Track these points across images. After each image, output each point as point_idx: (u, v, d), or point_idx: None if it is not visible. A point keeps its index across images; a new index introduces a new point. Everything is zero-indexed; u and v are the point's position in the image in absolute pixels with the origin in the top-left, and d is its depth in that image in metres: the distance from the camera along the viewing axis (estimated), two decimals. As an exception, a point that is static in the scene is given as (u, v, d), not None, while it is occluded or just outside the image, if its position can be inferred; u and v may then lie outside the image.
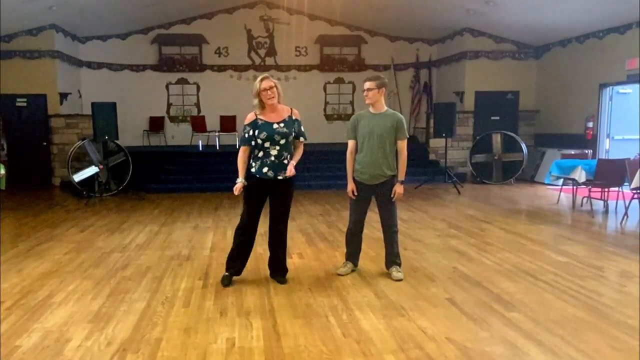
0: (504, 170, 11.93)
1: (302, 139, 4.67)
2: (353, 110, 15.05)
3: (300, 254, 5.86)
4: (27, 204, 9.49)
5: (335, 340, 3.53)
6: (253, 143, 4.50)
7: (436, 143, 12.45)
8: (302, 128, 4.67)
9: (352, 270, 5.04)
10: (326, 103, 15.11)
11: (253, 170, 4.54)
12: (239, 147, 4.61)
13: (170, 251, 5.98)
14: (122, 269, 5.26)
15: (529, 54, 13.03)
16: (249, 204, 4.65)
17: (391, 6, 12.25)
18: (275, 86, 4.46)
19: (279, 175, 4.52)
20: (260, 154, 4.51)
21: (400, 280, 4.77)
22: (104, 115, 10.01)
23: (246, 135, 4.52)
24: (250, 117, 4.55)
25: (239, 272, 4.80)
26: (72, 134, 11.74)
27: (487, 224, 7.46)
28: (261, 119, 4.49)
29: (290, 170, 4.50)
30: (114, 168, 10.56)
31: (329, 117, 15.14)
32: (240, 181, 4.47)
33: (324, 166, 12.04)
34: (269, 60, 14.71)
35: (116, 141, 10.59)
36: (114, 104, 10.31)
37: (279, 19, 14.36)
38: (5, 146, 11.09)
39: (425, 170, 11.94)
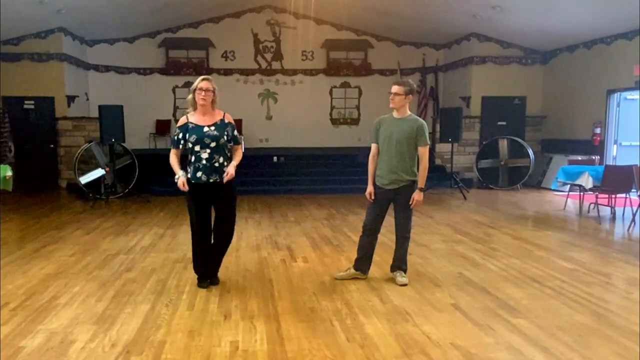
0: (511, 176, 11.88)
1: (233, 143, 4.59)
2: (359, 114, 15.07)
3: (304, 257, 5.85)
4: (34, 205, 9.54)
5: (339, 344, 3.52)
6: (181, 147, 4.52)
7: (442, 148, 12.41)
8: (236, 132, 4.62)
9: (357, 278, 4.96)
10: (332, 107, 15.10)
11: (189, 175, 4.52)
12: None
13: (175, 254, 5.98)
14: (127, 271, 5.27)
15: (536, 59, 12.99)
16: (192, 210, 4.62)
17: (398, 11, 12.25)
18: (213, 91, 4.45)
19: (211, 179, 4.48)
20: (193, 158, 4.49)
21: (404, 285, 4.75)
22: (111, 118, 10.07)
23: (175, 138, 4.54)
24: (182, 120, 4.56)
25: (206, 275, 4.77)
26: (79, 137, 11.80)
27: (493, 229, 7.43)
28: (192, 123, 4.48)
29: (229, 173, 4.44)
30: (120, 170, 10.60)
31: (334, 122, 15.13)
32: (180, 174, 4.44)
33: (329, 170, 12.03)
34: (275, 64, 14.74)
35: (123, 144, 10.64)
36: (120, 107, 10.36)
37: (285, 23, 14.41)
38: (12, 148, 11.15)
39: (431, 175, 11.87)
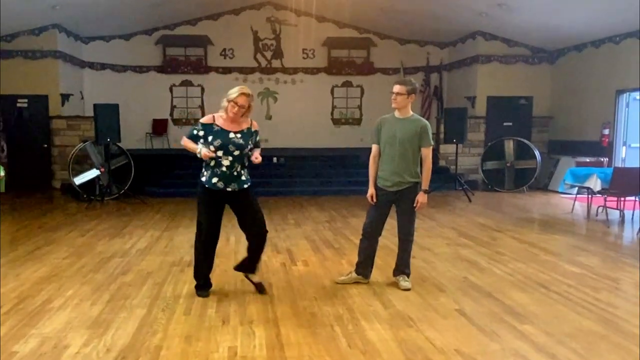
0: (517, 178, 11.78)
1: (255, 148, 4.49)
2: (361, 114, 14.98)
3: (305, 261, 5.79)
4: (27, 206, 9.45)
5: (341, 350, 3.48)
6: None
7: (447, 149, 12.28)
8: (258, 138, 4.51)
9: (358, 282, 4.88)
10: (333, 107, 14.98)
11: (203, 179, 4.38)
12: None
13: (172, 257, 5.92)
14: (122, 275, 5.21)
15: (543, 58, 12.86)
16: (204, 215, 4.43)
17: (401, 8, 12.16)
18: (247, 108, 4.29)
19: (229, 188, 4.33)
20: (212, 163, 4.30)
21: (407, 289, 4.69)
22: (106, 117, 9.97)
23: (194, 132, 4.35)
24: (208, 118, 4.39)
25: (207, 285, 4.61)
26: (74, 136, 11.63)
27: (498, 233, 7.36)
28: (218, 126, 4.32)
29: (257, 157, 4.36)
30: (116, 171, 10.50)
31: (336, 122, 15.01)
32: (200, 147, 4.24)
33: (330, 172, 11.98)
34: (276, 63, 14.62)
35: (118, 144, 10.57)
36: (116, 106, 10.29)
37: (286, 21, 14.32)
38: (5, 148, 11.05)
39: (435, 176, 11.77)
